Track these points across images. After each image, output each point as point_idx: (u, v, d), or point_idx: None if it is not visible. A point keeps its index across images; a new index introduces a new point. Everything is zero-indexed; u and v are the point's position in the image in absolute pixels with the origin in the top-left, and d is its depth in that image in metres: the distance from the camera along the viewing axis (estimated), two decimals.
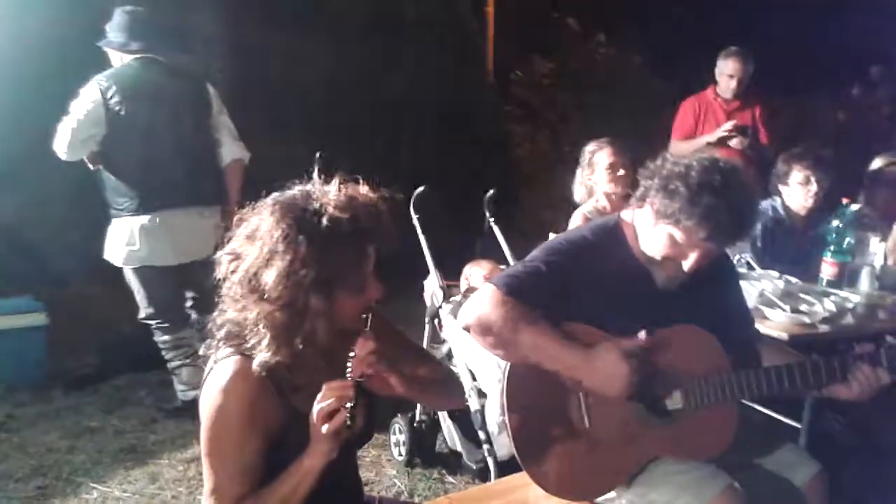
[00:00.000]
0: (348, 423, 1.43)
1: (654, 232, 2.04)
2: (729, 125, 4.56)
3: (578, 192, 3.71)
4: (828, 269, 3.21)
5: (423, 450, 3.42)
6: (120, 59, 3.67)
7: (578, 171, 3.70)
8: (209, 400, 1.49)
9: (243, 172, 3.91)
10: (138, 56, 3.65)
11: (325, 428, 1.43)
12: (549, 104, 8.69)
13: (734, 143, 4.53)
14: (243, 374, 1.48)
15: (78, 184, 4.31)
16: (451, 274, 3.59)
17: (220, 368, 1.50)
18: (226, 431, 1.48)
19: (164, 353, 3.84)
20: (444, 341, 3.47)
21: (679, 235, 1.98)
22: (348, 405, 1.44)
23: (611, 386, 1.95)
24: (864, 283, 3.14)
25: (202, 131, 3.82)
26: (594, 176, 3.59)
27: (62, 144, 3.50)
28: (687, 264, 2.02)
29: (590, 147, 3.64)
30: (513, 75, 8.95)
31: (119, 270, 3.74)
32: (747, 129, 4.61)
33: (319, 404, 1.44)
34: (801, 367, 2.03)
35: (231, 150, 3.86)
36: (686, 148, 4.61)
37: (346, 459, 1.67)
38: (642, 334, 1.96)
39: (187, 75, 3.88)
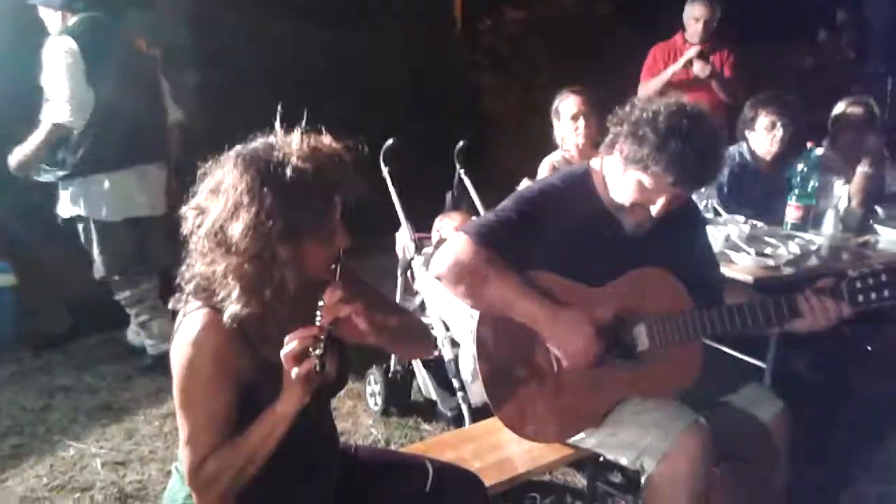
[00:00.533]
0: (318, 368, 1.45)
1: (623, 178, 2.06)
2: (693, 51, 4.56)
3: (557, 139, 3.71)
4: (792, 212, 3.27)
5: (399, 399, 3.47)
6: (60, 20, 3.56)
7: (553, 119, 3.69)
8: (180, 353, 1.50)
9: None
10: (85, 15, 3.55)
11: (294, 371, 1.44)
12: (519, 54, 8.61)
13: (697, 68, 4.53)
14: (212, 326, 1.48)
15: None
16: (422, 226, 3.60)
17: (189, 322, 1.51)
18: (197, 383, 1.49)
19: (128, 309, 3.88)
20: (416, 293, 3.49)
21: (647, 181, 2.00)
22: (318, 351, 1.45)
23: (568, 353, 2.01)
24: (829, 225, 3.19)
25: (154, 89, 3.88)
26: (560, 124, 3.60)
27: (66, 112, 3.43)
28: (655, 209, 2.05)
29: (559, 95, 3.64)
30: (482, 25, 8.84)
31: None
32: (708, 55, 4.60)
33: (286, 347, 1.45)
34: (763, 303, 2.07)
35: (172, 112, 3.98)
36: (654, 84, 4.64)
37: (320, 407, 1.70)
38: (610, 305, 2.01)
39: (131, 35, 3.91)
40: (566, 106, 3.54)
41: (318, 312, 1.50)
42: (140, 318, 3.87)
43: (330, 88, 6.47)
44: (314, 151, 1.50)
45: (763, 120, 3.50)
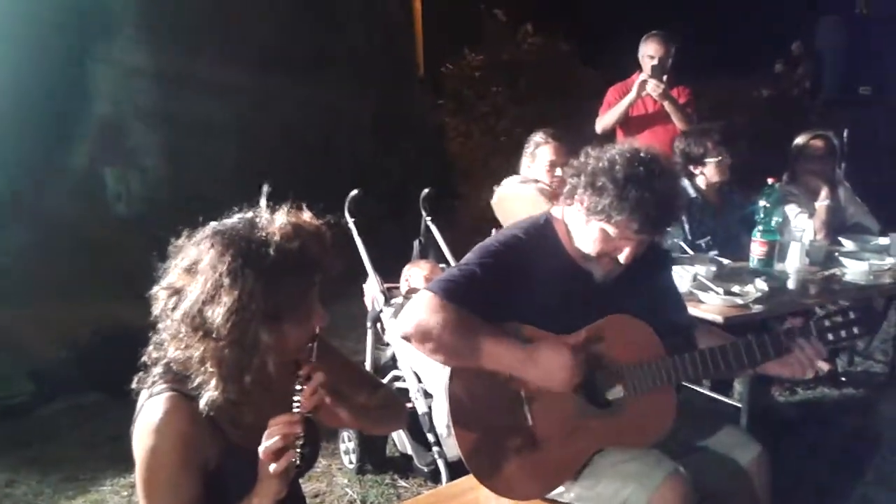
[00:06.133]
0: (297, 462, 1.39)
1: (586, 229, 2.06)
2: (643, 76, 4.61)
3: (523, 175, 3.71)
4: (758, 248, 3.27)
5: (374, 456, 3.39)
6: None
7: (524, 157, 3.69)
8: (141, 441, 1.42)
9: None
10: None
11: (272, 468, 1.38)
12: (482, 96, 8.71)
13: (651, 87, 4.57)
14: (177, 411, 1.41)
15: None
16: (392, 275, 3.56)
17: (151, 406, 1.43)
18: (161, 474, 1.41)
19: None
20: (388, 344, 3.45)
21: (612, 230, 2.00)
22: (299, 443, 1.39)
23: (555, 379, 1.96)
24: (794, 259, 3.20)
25: None
26: (534, 167, 3.60)
27: None
28: (623, 256, 2.04)
29: (536, 137, 3.62)
30: (444, 69, 8.94)
31: (42, 295, 3.62)
32: (660, 68, 4.63)
33: (266, 442, 1.38)
34: (735, 347, 2.06)
35: None
36: (610, 116, 4.69)
37: (290, 488, 1.63)
38: (582, 332, 1.98)
39: None
40: (543, 152, 3.54)
41: (297, 398, 1.43)
42: None
43: (294, 136, 6.48)
44: (297, 230, 1.44)
45: (713, 153, 3.55)
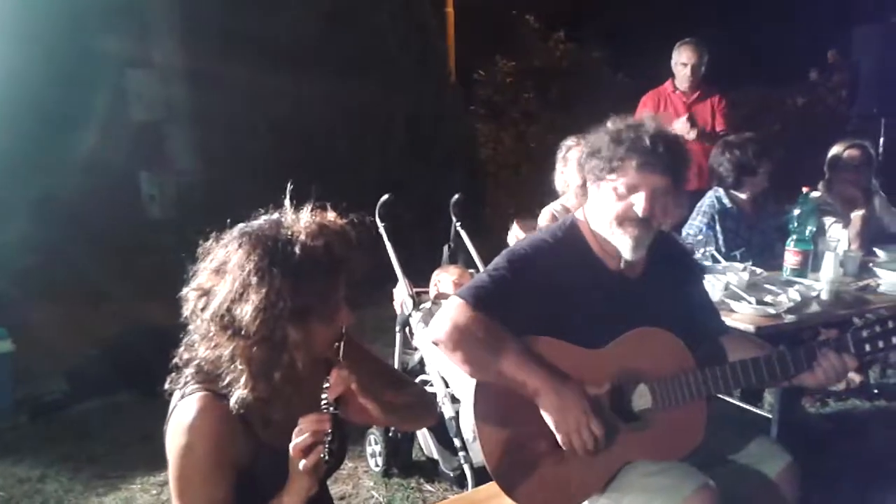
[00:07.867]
0: (325, 458, 1.40)
1: (599, 199, 2.07)
2: (682, 119, 4.59)
3: (558, 185, 3.71)
4: (791, 258, 3.23)
5: (400, 459, 3.40)
6: None
7: (557, 165, 3.70)
8: (175, 439, 1.44)
9: None
10: None
11: (302, 464, 1.39)
12: (513, 102, 8.71)
13: (680, 127, 4.54)
14: (209, 411, 1.43)
15: (37, 204, 4.26)
16: (420, 280, 3.57)
17: (184, 406, 1.46)
18: (194, 470, 1.44)
19: None
20: (416, 349, 3.45)
21: (619, 179, 2.01)
22: (326, 439, 1.40)
23: (565, 424, 1.95)
24: (828, 269, 3.15)
25: None
26: (567, 171, 3.60)
27: None
28: (640, 208, 2.01)
29: (567, 142, 3.63)
30: (476, 75, 8.97)
31: (76, 294, 3.68)
32: (699, 101, 4.66)
33: (296, 440, 1.40)
34: (768, 359, 2.04)
35: None
36: None
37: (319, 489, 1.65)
38: (606, 385, 1.99)
39: None
40: (574, 154, 3.54)
41: (324, 395, 1.45)
42: None
43: (327, 141, 6.52)
44: (322, 229, 1.47)
45: (766, 164, 3.53)
